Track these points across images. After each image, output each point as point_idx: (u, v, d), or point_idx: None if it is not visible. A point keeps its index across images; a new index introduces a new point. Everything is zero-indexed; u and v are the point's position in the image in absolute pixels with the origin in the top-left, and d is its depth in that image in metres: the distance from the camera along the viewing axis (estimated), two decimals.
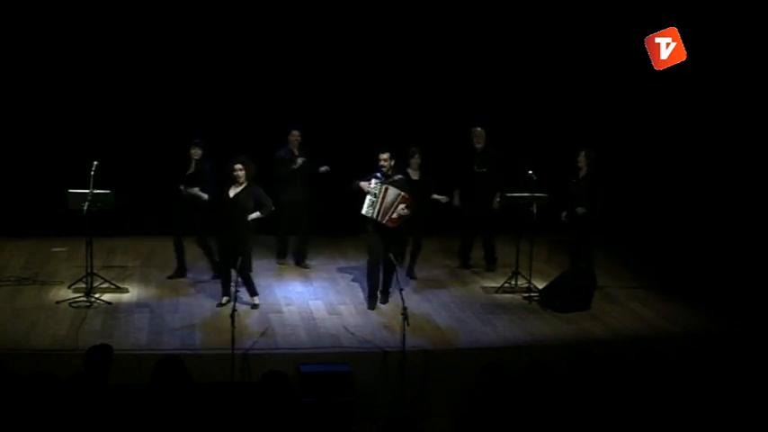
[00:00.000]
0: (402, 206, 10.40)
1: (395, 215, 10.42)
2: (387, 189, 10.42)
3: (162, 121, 12.93)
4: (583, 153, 11.33)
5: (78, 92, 12.80)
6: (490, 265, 12.34)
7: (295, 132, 11.95)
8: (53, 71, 12.70)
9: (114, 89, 12.88)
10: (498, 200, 11.83)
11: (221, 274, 10.59)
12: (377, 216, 10.45)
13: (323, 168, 11.97)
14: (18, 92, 12.69)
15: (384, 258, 10.61)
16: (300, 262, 12.32)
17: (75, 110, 12.82)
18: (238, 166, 10.26)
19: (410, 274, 11.83)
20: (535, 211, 11.13)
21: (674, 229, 13.39)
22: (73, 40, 12.62)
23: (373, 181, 10.50)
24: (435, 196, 11.57)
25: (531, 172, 11.21)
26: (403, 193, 10.40)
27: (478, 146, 12.05)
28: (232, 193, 10.30)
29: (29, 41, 12.55)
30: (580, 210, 11.12)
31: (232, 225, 10.29)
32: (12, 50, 12.53)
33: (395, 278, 9.59)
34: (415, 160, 11.48)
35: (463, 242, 12.48)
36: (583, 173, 11.35)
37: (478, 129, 12.07)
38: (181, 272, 11.55)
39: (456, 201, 12.05)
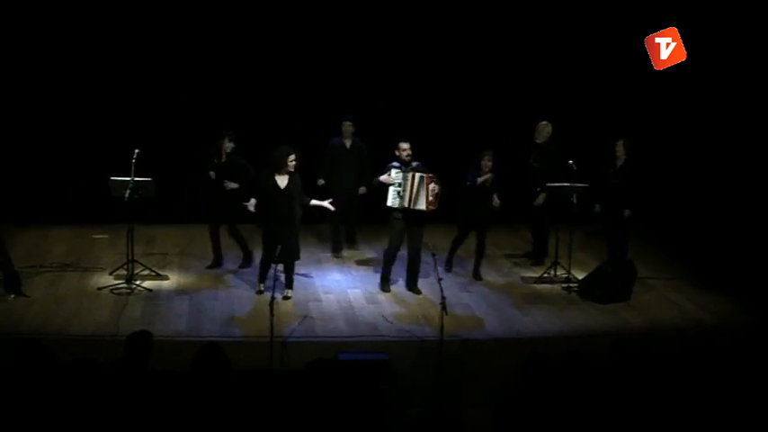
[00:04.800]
0: (432, 185, 10.39)
1: (431, 197, 10.41)
2: (413, 176, 10.41)
3: (201, 110, 13.00)
4: (621, 142, 11.26)
5: (120, 80, 12.89)
6: (535, 258, 12.24)
7: (347, 123, 11.99)
8: (96, 60, 12.80)
9: (155, 78, 12.95)
10: (539, 189, 11.72)
11: (265, 263, 10.55)
12: (408, 204, 10.43)
13: (320, 182, 11.94)
14: (61, 81, 12.80)
15: (410, 248, 10.65)
16: (351, 246, 12.53)
17: (117, 98, 12.91)
18: (293, 156, 10.24)
19: (476, 276, 11.60)
20: (575, 201, 11.07)
21: (716, 220, 13.25)
22: (115, 30, 12.71)
23: (393, 171, 10.48)
24: (495, 200, 11.29)
25: (571, 162, 11.15)
26: (425, 175, 10.40)
27: (538, 141, 11.96)
28: (281, 183, 10.29)
29: (72, 31, 12.64)
30: (626, 212, 11.11)
31: (280, 215, 10.30)
32: (55, 40, 12.64)
33: (436, 267, 9.56)
34: (486, 162, 11.18)
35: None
36: (620, 162, 11.29)
37: (542, 123, 11.96)
38: (218, 261, 11.59)
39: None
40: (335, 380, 6.46)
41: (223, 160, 11.14)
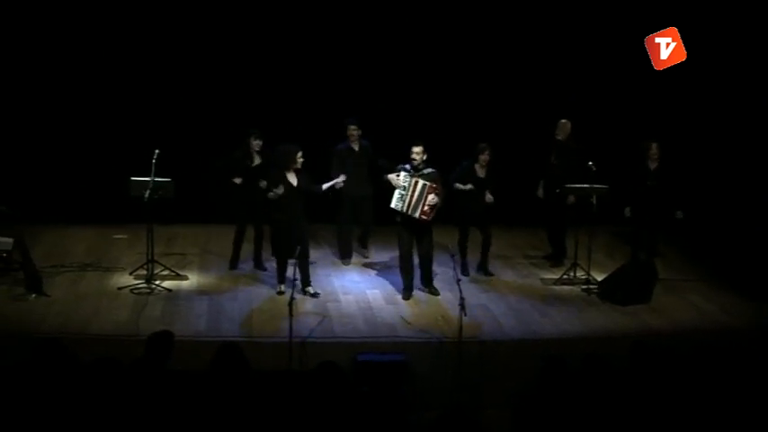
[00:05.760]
0: (431, 196, 10.25)
1: (426, 207, 10.28)
2: (416, 182, 10.32)
3: (220, 110, 13.06)
4: (655, 145, 11.24)
5: (140, 81, 12.94)
6: (555, 259, 12.21)
7: (352, 127, 11.83)
8: (116, 61, 12.86)
9: (175, 79, 13.00)
10: (558, 191, 11.69)
11: (281, 262, 10.60)
12: (406, 210, 10.37)
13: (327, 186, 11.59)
14: (82, 81, 12.87)
15: (420, 253, 10.57)
16: (364, 252, 12.38)
17: (137, 99, 12.97)
18: (300, 153, 10.32)
19: (484, 271, 11.62)
20: (595, 202, 11.04)
21: (737, 221, 13.18)
22: (134, 31, 12.77)
23: (402, 174, 10.43)
24: (488, 197, 11.32)
25: (590, 163, 11.12)
26: (429, 184, 10.27)
27: (559, 137, 11.96)
28: (293, 181, 10.35)
29: (92, 32, 12.71)
30: (679, 214, 11.11)
31: (294, 213, 10.35)
32: (75, 40, 12.71)
33: (455, 268, 9.54)
34: (485, 157, 11.21)
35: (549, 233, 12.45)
36: (655, 165, 11.26)
37: (563, 121, 11.95)
38: (234, 263, 11.60)
39: (540, 192, 12.09)
40: (348, 382, 6.46)
41: (257, 162, 11.16)
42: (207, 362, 6.53)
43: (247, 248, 11.68)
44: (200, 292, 10.72)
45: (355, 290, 11.02)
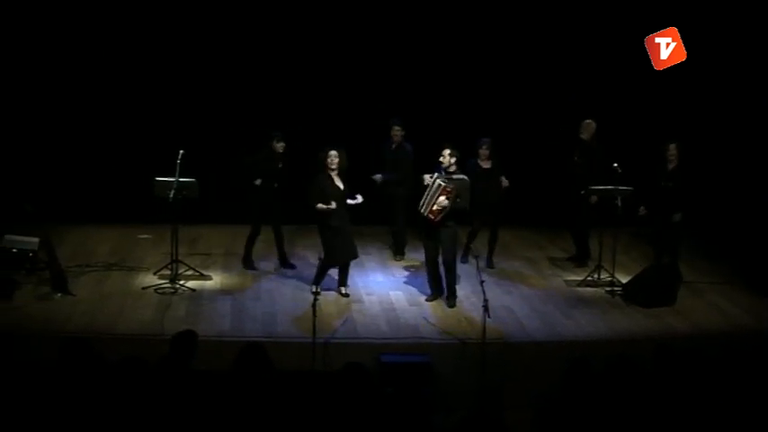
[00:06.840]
0: (441, 198, 10.10)
1: (435, 207, 10.15)
2: (435, 181, 10.23)
3: (245, 111, 13.12)
4: (673, 146, 11.16)
5: (166, 81, 13.01)
6: (579, 261, 12.16)
7: (396, 128, 11.90)
8: (142, 61, 12.94)
9: (200, 80, 13.07)
10: (583, 192, 11.64)
11: (329, 265, 10.53)
12: (422, 208, 10.31)
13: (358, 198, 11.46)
14: (107, 82, 12.95)
15: (443, 256, 10.46)
16: (398, 255, 12.37)
17: (162, 99, 13.04)
18: (334, 153, 10.32)
19: (488, 265, 11.73)
20: (620, 204, 11.00)
21: (761, 223, 13.08)
22: (159, 32, 12.85)
23: (435, 175, 10.37)
24: (503, 181, 11.47)
25: (615, 164, 11.07)
26: (444, 185, 10.14)
27: (583, 137, 11.93)
28: (339, 184, 10.36)
29: (114, 33, 12.80)
30: (677, 216, 11.02)
31: (343, 215, 10.39)
32: (99, 42, 12.80)
33: (478, 270, 9.51)
34: (484, 151, 11.39)
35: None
36: (673, 165, 11.19)
37: (587, 120, 11.91)
38: (248, 263, 11.61)
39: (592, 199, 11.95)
40: (373, 383, 6.46)
41: (280, 166, 11.18)
42: (230, 362, 6.55)
43: (266, 248, 11.71)
44: (224, 292, 10.76)
45: (378, 291, 11.03)
